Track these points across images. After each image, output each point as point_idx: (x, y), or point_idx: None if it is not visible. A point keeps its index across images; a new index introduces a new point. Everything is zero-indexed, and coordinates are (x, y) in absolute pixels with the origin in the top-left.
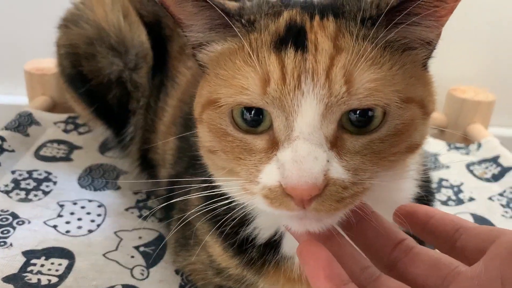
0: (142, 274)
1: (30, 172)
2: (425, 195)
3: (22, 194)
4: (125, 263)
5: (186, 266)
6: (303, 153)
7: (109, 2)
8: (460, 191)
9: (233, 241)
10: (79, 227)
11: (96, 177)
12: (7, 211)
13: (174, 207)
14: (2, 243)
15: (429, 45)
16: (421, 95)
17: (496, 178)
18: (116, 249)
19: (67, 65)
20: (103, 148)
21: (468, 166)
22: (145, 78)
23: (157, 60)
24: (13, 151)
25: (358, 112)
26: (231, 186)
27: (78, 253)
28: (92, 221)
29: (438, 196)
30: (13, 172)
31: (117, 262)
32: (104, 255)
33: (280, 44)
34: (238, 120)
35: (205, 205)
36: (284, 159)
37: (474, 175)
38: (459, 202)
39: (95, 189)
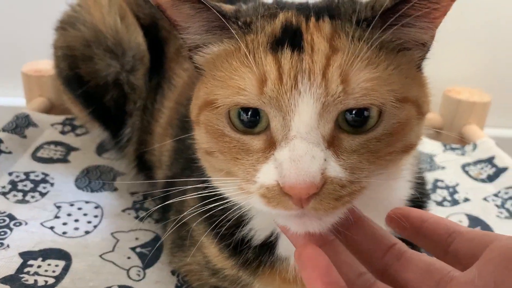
0: (139, 275)
1: (27, 174)
2: (419, 197)
3: (19, 195)
4: (122, 264)
5: (182, 267)
6: (300, 152)
7: (106, 4)
8: (455, 191)
9: (229, 242)
10: (76, 228)
11: (93, 179)
12: (4, 212)
13: (170, 208)
14: None
15: (424, 46)
16: (416, 95)
17: (491, 178)
18: (113, 250)
19: (64, 67)
20: (100, 149)
21: (463, 166)
22: (142, 80)
23: (154, 62)
24: (10, 152)
25: (354, 112)
26: (228, 187)
27: (75, 254)
28: (89, 222)
29: (434, 196)
30: (10, 174)
31: (114, 263)
32: (100, 256)
33: (276, 45)
34: (235, 121)
35: (201, 206)
36: (281, 158)
37: (470, 175)
38: (454, 202)
39: (92, 191)
